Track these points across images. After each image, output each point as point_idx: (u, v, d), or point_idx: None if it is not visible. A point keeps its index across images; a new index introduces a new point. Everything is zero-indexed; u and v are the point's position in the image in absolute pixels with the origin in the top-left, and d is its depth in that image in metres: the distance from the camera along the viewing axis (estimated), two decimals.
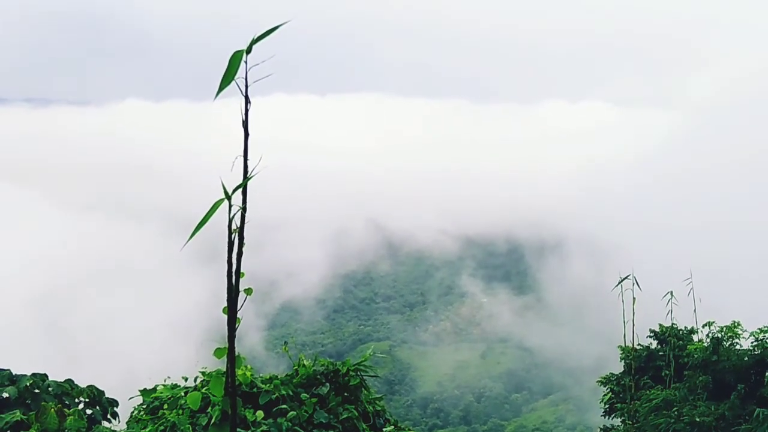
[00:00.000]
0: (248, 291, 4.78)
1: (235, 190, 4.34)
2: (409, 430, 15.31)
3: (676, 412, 19.47)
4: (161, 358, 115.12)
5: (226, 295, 4.61)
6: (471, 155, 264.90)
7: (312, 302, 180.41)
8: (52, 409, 16.14)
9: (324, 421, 13.78)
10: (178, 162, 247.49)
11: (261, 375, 14.68)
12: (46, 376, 20.67)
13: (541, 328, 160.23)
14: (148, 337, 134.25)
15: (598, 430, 26.90)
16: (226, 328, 4.74)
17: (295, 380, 14.47)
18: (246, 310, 4.73)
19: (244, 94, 4.38)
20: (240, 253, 4.58)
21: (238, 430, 11.99)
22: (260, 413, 13.38)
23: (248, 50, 4.29)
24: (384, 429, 14.59)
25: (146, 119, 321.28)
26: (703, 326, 21.31)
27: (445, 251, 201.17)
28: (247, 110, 4.45)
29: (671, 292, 21.85)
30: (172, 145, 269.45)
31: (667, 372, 22.84)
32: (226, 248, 4.54)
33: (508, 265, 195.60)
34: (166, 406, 13.99)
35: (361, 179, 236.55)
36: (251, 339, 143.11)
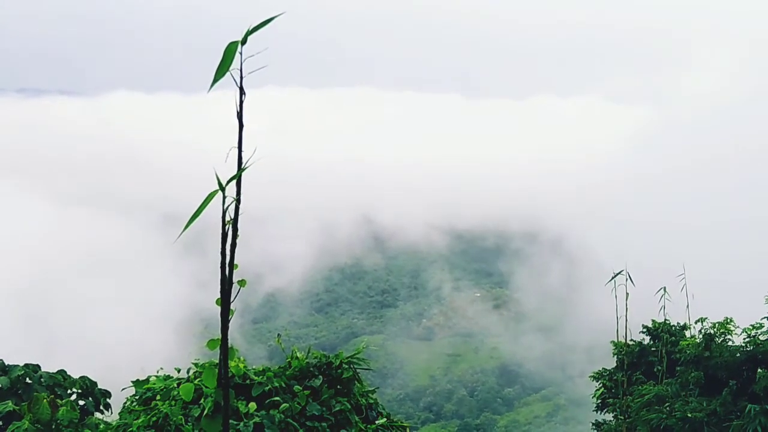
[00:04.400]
0: (242, 283, 4.78)
1: (229, 181, 4.33)
2: (402, 423, 15.34)
3: (668, 408, 19.52)
4: (147, 349, 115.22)
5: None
6: (461, 150, 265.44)
7: (302, 295, 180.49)
8: (45, 400, 16.13)
9: (317, 414, 13.80)
10: (168, 154, 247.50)
11: (254, 367, 14.71)
12: (38, 366, 20.67)
13: (534, 323, 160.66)
14: (132, 328, 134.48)
15: (590, 425, 26.98)
16: (220, 319, 4.74)
17: (288, 372, 14.50)
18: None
19: (238, 85, 4.38)
20: (234, 245, 4.58)
21: (230, 421, 12.00)
22: (253, 405, 13.40)
23: (243, 41, 4.29)
24: (376, 422, 14.62)
25: (138, 111, 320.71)
26: (695, 322, 21.37)
27: (436, 245, 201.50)
28: (242, 101, 4.45)
29: (664, 288, 21.88)
30: (163, 137, 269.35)
31: (660, 368, 22.89)
32: (220, 240, 4.54)
33: (500, 260, 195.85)
34: (158, 397, 14.01)
35: (352, 172, 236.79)
36: (235, 331, 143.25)
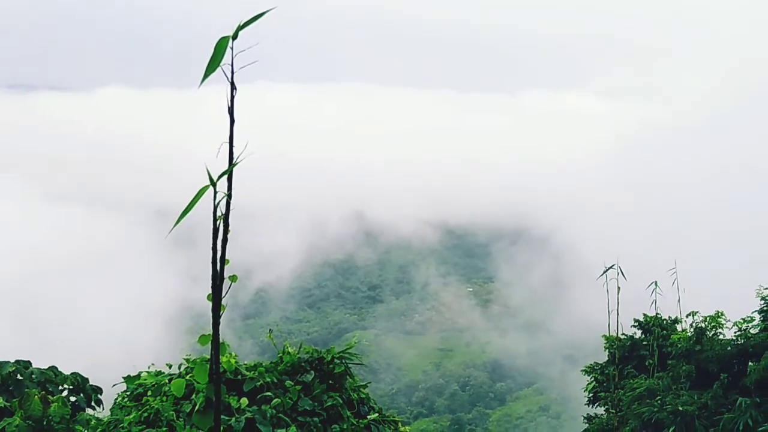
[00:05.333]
0: (233, 278, 4.77)
1: (220, 177, 4.32)
2: (394, 417, 15.35)
3: (659, 401, 19.58)
4: (138, 345, 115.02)
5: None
6: (454, 145, 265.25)
7: (293, 291, 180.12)
8: (36, 396, 16.09)
9: (308, 409, 13.79)
10: (160, 149, 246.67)
11: (245, 362, 14.69)
12: (29, 363, 20.61)
13: (525, 318, 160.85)
14: (123, 324, 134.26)
15: (582, 418, 27.05)
16: (211, 315, 4.73)
17: (279, 368, 14.48)
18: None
19: (230, 80, 4.36)
20: (225, 240, 4.56)
21: (222, 417, 11.98)
22: (244, 400, 13.38)
23: (234, 36, 4.27)
24: (368, 416, 14.62)
25: (129, 106, 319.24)
26: (686, 316, 21.43)
27: (427, 241, 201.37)
28: (233, 96, 4.43)
29: (656, 282, 21.91)
30: (155, 132, 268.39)
31: (651, 361, 22.97)
32: (211, 235, 4.52)
33: (491, 255, 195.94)
34: (150, 393, 13.98)
35: (344, 168, 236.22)
36: (226, 327, 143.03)
